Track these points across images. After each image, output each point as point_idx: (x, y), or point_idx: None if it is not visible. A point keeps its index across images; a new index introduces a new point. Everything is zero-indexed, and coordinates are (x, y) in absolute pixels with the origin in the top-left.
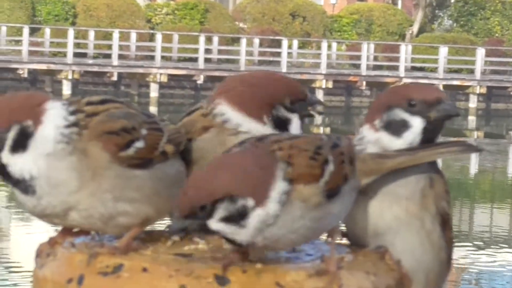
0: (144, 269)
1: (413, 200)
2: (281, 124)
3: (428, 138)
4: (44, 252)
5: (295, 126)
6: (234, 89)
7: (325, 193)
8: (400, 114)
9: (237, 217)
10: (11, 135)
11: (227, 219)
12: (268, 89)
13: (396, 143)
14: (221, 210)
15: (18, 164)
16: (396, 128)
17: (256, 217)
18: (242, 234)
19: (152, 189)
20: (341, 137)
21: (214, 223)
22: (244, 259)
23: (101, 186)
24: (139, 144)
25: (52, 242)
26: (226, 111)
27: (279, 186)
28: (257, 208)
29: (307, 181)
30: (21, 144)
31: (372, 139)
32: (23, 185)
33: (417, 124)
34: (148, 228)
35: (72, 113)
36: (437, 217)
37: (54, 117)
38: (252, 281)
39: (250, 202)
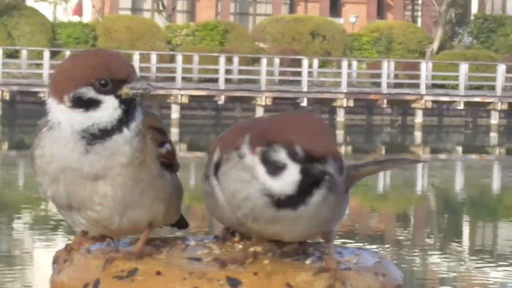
0: (158, 273)
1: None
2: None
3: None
4: (61, 258)
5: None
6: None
7: None
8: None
9: None
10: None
11: None
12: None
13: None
14: None
15: (107, 112)
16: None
17: None
18: None
19: (170, 193)
20: None
21: None
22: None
23: (140, 174)
24: (168, 146)
25: (68, 249)
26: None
27: None
28: None
29: None
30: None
31: None
32: (96, 133)
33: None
34: (163, 234)
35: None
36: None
37: None
38: (263, 283)
39: None
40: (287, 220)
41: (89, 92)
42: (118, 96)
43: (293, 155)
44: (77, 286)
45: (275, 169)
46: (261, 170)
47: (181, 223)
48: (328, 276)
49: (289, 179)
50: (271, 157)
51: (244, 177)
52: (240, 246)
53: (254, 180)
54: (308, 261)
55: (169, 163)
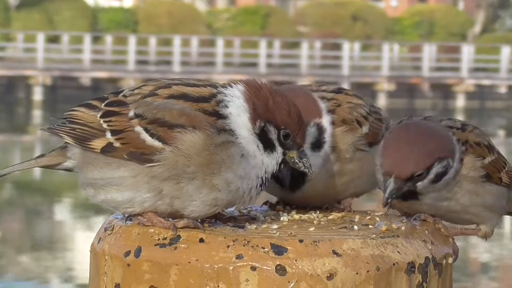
0: (201, 240)
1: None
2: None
3: None
4: (102, 226)
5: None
6: None
7: None
8: None
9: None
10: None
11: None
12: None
13: None
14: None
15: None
16: None
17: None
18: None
19: None
20: None
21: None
22: None
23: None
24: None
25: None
26: None
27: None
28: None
29: None
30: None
31: None
32: None
33: None
34: None
35: None
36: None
37: None
38: (308, 250)
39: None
40: None
41: (273, 134)
42: (284, 154)
43: None
44: (118, 254)
45: None
46: None
47: None
48: (375, 243)
49: None
50: None
51: None
52: (285, 213)
53: None
54: (354, 229)
55: None
